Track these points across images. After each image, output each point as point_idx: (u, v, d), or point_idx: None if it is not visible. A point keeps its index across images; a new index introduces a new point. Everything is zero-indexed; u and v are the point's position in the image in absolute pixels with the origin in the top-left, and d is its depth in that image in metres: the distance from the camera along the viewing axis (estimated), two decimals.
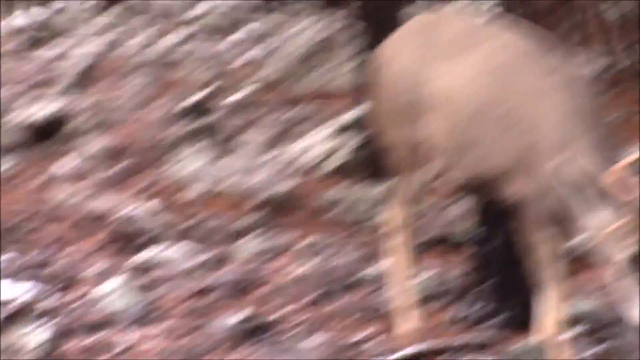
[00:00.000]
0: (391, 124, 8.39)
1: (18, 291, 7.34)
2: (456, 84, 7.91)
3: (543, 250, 7.80)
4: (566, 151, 7.27)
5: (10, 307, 7.23)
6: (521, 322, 8.51)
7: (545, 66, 7.69)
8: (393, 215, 8.63)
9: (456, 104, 7.90)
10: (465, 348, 8.53)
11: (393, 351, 8.30)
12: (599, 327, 8.72)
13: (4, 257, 9.85)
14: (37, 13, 19.01)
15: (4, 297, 7.31)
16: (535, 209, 7.72)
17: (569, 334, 8.12)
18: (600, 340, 8.51)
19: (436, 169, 8.22)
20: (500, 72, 7.74)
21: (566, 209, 7.29)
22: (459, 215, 10.68)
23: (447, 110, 7.98)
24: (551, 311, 7.86)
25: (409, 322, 8.47)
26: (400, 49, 8.44)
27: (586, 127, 7.40)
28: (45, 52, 18.31)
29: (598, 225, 7.08)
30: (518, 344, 8.40)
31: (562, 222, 7.54)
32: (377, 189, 11.59)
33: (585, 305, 9.01)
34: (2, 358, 7.54)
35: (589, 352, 8.31)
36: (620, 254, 7.00)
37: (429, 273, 9.59)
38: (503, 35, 8.02)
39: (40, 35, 18.40)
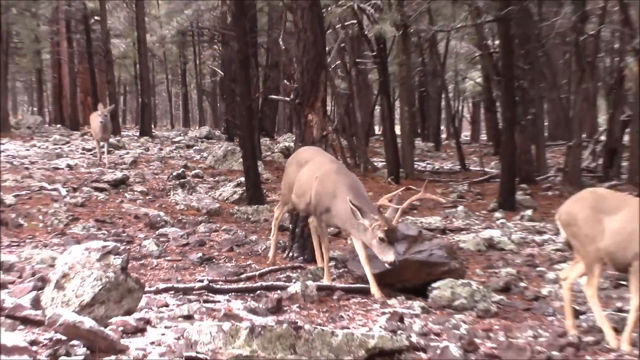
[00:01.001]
0: (284, 188, 11.68)
1: (109, 244, 8.20)
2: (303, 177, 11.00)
3: (321, 232, 10.93)
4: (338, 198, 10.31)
5: (106, 249, 8.10)
6: (311, 259, 11.76)
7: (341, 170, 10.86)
8: (276, 214, 12.11)
9: (300, 188, 11.04)
10: (292, 268, 11.58)
11: (261, 269, 11.29)
12: (341, 263, 11.84)
13: (103, 231, 14.07)
14: None
15: (104, 246, 8.17)
16: (318, 216, 10.70)
17: (331, 264, 11.36)
18: (342, 268, 11.70)
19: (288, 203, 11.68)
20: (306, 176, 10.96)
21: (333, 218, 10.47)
22: (287, 217, 13.38)
23: (297, 184, 11.14)
24: (325, 254, 10.85)
25: (272, 258, 11.94)
26: (290, 161, 11.52)
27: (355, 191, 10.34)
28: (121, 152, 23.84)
29: (365, 226, 9.87)
30: (311, 267, 11.37)
31: (329, 220, 10.66)
32: (252, 208, 16.36)
33: (336, 254, 12.35)
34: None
35: (336, 272, 11.42)
36: (374, 238, 9.78)
37: (280, 238, 12.61)
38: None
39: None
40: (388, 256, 9.64)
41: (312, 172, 10.76)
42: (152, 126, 38.64)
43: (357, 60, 24.46)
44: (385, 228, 9.67)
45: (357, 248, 10.30)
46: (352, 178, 10.64)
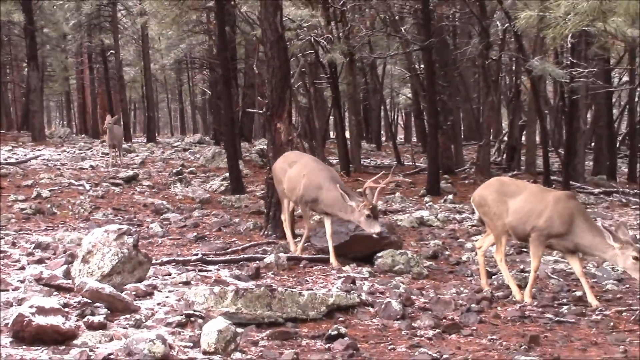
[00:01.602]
0: (276, 183, 11.41)
1: (124, 227, 8.53)
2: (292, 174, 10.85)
3: (305, 216, 10.91)
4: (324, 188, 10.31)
5: (121, 231, 8.32)
6: (282, 236, 11.81)
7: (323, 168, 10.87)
8: (284, 216, 11.43)
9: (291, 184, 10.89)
10: (267, 243, 11.67)
11: (244, 244, 11.43)
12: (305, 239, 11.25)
13: (119, 217, 14.17)
14: None
15: (120, 229, 9.01)
16: (304, 205, 10.63)
17: (297, 240, 11.20)
18: (306, 242, 11.11)
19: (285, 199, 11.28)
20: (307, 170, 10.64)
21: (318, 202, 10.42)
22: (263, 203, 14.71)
23: (288, 181, 10.95)
24: (306, 232, 10.89)
25: (293, 247, 11.16)
26: (278, 164, 11.25)
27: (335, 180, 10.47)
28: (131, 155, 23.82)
29: (353, 207, 9.89)
30: (282, 242, 11.47)
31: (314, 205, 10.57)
32: (235, 197, 16.42)
33: (301, 231, 12.40)
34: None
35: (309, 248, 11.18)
36: (362, 215, 9.79)
37: (257, 220, 13.81)
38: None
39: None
40: (375, 228, 9.74)
41: (299, 171, 10.74)
42: (156, 134, 38.85)
43: (314, 80, 24.69)
44: (371, 206, 9.72)
45: (327, 226, 10.33)
46: (332, 172, 10.80)
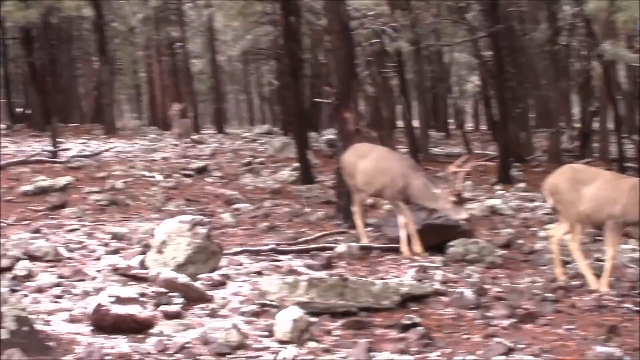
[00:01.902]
0: (347, 177, 11.13)
1: (196, 217, 8.90)
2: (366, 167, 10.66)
3: (399, 209, 10.26)
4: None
5: (194, 221, 8.52)
6: (354, 225, 11.15)
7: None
8: (356, 208, 10.98)
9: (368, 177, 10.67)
10: (338, 233, 11.48)
11: (314, 234, 11.37)
12: (377, 228, 11.40)
13: (191, 207, 14.14)
14: None
15: (193, 219, 9.23)
16: (392, 197, 10.34)
17: (369, 229, 11.16)
18: (377, 232, 11.29)
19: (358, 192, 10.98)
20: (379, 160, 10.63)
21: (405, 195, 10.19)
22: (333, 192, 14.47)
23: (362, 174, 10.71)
24: (411, 226, 10.08)
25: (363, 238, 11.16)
26: (348, 157, 11.01)
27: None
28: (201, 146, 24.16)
29: (438, 194, 9.84)
30: (352, 232, 11.14)
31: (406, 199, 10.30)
32: (305, 187, 16.27)
33: (373, 220, 12.29)
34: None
35: (373, 235, 11.17)
36: (448, 202, 9.77)
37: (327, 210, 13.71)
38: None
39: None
40: (462, 214, 9.82)
41: (376, 164, 10.57)
42: (225, 125, 39.00)
43: (380, 70, 24.62)
44: (456, 192, 9.71)
45: (400, 215, 10.18)
46: (411, 161, 10.84)
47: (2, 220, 11.87)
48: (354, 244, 10.11)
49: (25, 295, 7.25)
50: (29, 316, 5.83)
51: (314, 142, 24.65)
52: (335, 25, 12.25)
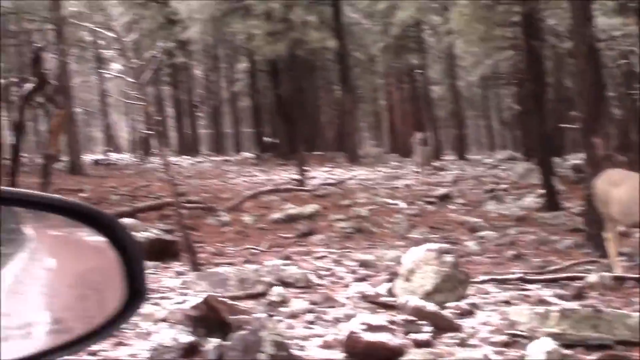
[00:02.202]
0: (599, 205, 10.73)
1: (443, 245, 10.28)
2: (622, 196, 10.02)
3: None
4: None
5: (440, 249, 8.84)
6: (605, 254, 11.27)
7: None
8: (609, 235, 10.59)
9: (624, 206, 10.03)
10: (588, 262, 10.98)
11: (563, 263, 13.17)
12: (631, 257, 11.20)
13: (435, 235, 14.38)
14: None
15: (439, 247, 10.29)
16: None
17: (622, 258, 10.54)
18: (631, 261, 11.11)
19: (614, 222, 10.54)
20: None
21: None
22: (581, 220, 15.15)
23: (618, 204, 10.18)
24: None
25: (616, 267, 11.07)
26: (600, 185, 10.53)
27: None
28: (443, 173, 24.01)
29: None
30: (604, 261, 11.16)
31: None
32: (551, 214, 16.42)
33: (626, 249, 12.92)
34: None
35: (628, 265, 10.60)
36: None
37: (576, 238, 15.17)
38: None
39: None
40: None
41: (632, 193, 9.98)
42: (465, 151, 39.15)
43: (628, 91, 23.76)
44: None
45: None
46: None
47: (256, 247, 12.58)
48: (607, 273, 9.69)
49: (281, 321, 7.50)
50: (286, 341, 6.07)
51: (559, 168, 24.13)
52: (581, 48, 12.03)
